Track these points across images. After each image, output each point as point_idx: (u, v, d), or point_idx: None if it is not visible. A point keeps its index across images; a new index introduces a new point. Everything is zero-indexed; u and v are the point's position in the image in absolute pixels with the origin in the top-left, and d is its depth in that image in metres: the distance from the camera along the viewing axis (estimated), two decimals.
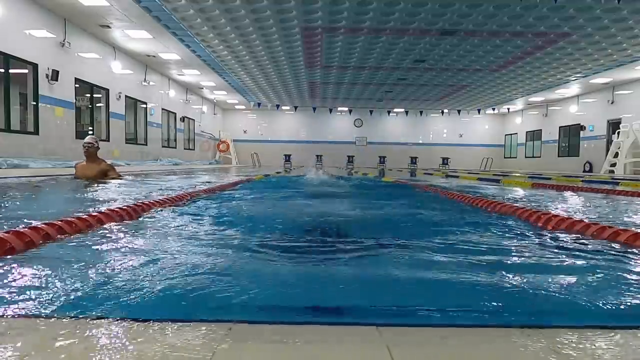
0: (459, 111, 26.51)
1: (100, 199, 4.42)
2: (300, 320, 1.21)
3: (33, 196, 5.13)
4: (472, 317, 1.25)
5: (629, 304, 1.36)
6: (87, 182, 6.36)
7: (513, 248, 2.24)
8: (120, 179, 6.88)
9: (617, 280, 1.61)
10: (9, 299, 1.30)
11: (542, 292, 1.47)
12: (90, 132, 13.66)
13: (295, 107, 26.73)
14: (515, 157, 28.19)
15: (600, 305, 1.33)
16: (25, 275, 1.53)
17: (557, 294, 1.45)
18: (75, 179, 6.72)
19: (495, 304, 1.34)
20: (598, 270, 1.75)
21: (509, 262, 1.94)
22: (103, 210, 2.87)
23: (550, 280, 1.61)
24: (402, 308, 1.31)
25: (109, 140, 14.51)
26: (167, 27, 11.65)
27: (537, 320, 1.22)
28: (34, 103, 10.83)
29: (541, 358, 0.99)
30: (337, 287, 1.52)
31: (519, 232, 2.72)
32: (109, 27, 12.12)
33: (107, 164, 6.91)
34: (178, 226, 2.73)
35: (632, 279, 1.64)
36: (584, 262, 1.93)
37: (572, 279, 1.63)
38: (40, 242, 2.01)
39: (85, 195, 4.92)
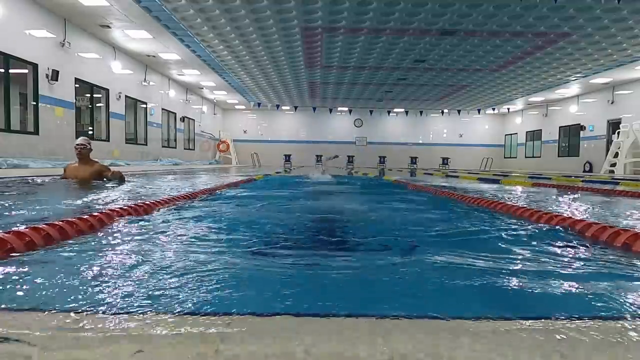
0: (459, 111, 26.52)
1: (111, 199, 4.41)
2: (299, 312, 1.21)
3: (24, 197, 5.12)
4: (470, 308, 1.25)
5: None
6: (78, 183, 6.09)
7: (510, 244, 2.24)
8: (120, 178, 6.53)
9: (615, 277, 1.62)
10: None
11: (542, 284, 1.48)
12: (90, 132, 13.67)
13: (295, 107, 26.74)
14: (515, 157, 28.20)
15: (595, 297, 1.33)
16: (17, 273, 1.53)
17: (556, 287, 1.45)
18: (63, 180, 6.39)
19: (493, 295, 1.34)
20: (595, 269, 1.76)
21: (507, 257, 1.94)
22: (104, 210, 2.88)
23: (548, 274, 1.61)
24: (401, 300, 1.32)
25: (109, 141, 14.52)
26: (167, 27, 11.66)
27: (537, 312, 1.22)
28: (34, 103, 10.84)
29: (541, 349, 0.99)
30: (337, 281, 1.52)
31: (518, 230, 2.72)
32: (109, 27, 12.12)
33: (102, 165, 6.59)
34: (178, 226, 2.73)
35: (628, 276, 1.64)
36: (580, 259, 1.93)
37: (568, 273, 1.64)
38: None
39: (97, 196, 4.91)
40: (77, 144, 6.27)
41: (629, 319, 1.23)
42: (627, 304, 1.35)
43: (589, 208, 4.67)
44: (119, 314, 1.18)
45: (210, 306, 1.26)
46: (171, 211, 3.40)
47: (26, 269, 1.61)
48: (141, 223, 2.75)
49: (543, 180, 10.04)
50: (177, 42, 13.16)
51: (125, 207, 3.08)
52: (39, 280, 1.48)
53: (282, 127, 30.16)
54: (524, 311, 1.29)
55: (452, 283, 1.56)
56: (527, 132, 26.84)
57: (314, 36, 11.91)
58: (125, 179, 6.74)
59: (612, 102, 19.06)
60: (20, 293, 1.37)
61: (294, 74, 16.83)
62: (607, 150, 18.55)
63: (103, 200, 4.15)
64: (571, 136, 22.17)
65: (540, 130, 25.22)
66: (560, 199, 5.86)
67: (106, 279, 1.51)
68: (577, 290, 1.51)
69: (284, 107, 27.77)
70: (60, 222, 2.25)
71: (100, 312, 1.19)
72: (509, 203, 4.21)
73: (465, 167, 28.58)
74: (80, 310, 1.19)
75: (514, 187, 8.17)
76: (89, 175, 6.29)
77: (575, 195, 6.39)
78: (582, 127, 21.06)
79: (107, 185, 5.96)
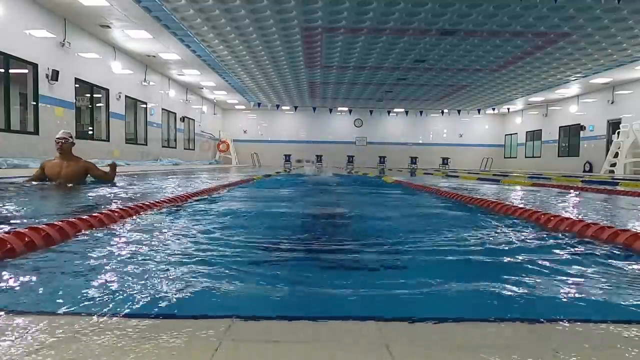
0: (459, 111, 26.52)
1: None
2: (300, 315, 1.21)
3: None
4: (473, 310, 1.25)
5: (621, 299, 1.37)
6: (61, 184, 5.39)
7: (510, 245, 2.24)
8: (109, 178, 5.98)
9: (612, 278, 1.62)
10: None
11: (542, 287, 1.48)
12: (90, 132, 13.67)
13: (295, 107, 26.73)
14: (516, 157, 28.19)
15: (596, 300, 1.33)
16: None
17: (557, 290, 1.45)
18: (35, 181, 5.54)
19: (496, 298, 1.34)
20: (594, 269, 1.76)
21: (506, 258, 1.94)
22: (103, 211, 2.87)
23: (548, 276, 1.61)
24: (401, 302, 1.32)
25: (109, 141, 14.52)
26: (167, 27, 11.65)
27: (538, 315, 1.22)
28: (34, 103, 10.84)
29: (541, 351, 0.99)
30: (337, 284, 1.52)
31: (514, 230, 2.71)
32: (109, 27, 12.12)
33: (88, 162, 5.79)
34: (178, 227, 2.73)
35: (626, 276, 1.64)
36: (580, 260, 1.93)
37: (569, 277, 1.64)
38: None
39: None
40: (58, 138, 5.49)
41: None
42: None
43: (588, 208, 4.67)
44: (114, 316, 1.17)
45: (209, 310, 1.25)
46: (169, 212, 3.40)
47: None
48: (137, 224, 2.75)
49: (543, 180, 10.04)
50: (177, 42, 13.16)
51: (118, 210, 3.08)
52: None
53: (282, 127, 30.14)
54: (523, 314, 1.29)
55: (460, 280, 1.56)
56: (527, 132, 26.83)
57: (314, 36, 11.91)
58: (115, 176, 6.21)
59: (612, 102, 19.05)
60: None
61: (294, 74, 16.83)
62: (607, 150, 18.55)
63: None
64: (571, 136, 22.16)
65: (540, 130, 25.21)
66: (560, 198, 5.86)
67: (99, 281, 1.51)
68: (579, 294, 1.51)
69: (284, 107, 27.76)
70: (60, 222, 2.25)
71: (95, 315, 1.17)
72: (503, 202, 4.20)
73: (465, 167, 28.56)
74: (76, 313, 1.19)
75: (513, 187, 8.17)
76: (73, 173, 5.53)
77: (575, 195, 6.38)
78: (582, 127, 21.05)
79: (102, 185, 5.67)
